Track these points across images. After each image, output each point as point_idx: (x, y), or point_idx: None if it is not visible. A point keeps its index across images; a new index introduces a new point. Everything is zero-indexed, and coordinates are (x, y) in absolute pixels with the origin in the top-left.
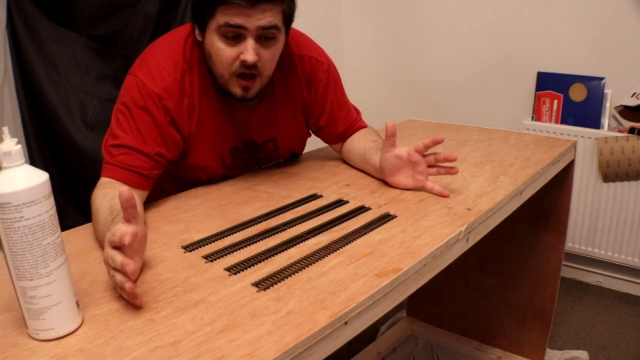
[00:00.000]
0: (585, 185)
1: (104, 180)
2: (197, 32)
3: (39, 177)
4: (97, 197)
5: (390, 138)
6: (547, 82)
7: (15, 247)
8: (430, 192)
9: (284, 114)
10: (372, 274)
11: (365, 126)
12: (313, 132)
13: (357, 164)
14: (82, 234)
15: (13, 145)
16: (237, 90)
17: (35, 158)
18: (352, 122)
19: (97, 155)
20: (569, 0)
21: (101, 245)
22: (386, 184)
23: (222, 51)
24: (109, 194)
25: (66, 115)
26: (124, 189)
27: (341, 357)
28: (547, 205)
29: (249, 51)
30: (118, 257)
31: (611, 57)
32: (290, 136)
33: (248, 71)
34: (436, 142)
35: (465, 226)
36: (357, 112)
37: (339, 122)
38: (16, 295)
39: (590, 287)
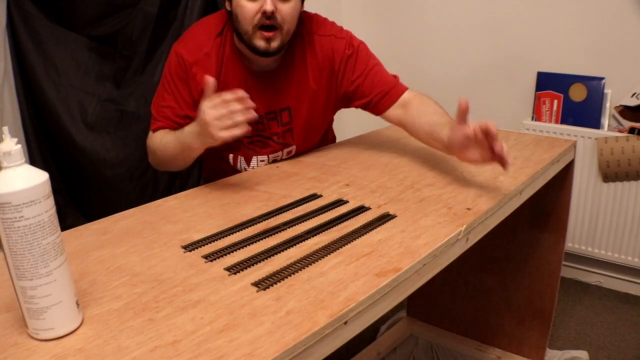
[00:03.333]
0: (585, 185)
1: (150, 134)
2: (226, 3)
3: (39, 177)
4: (156, 137)
5: (461, 115)
6: (547, 82)
7: (15, 247)
8: (500, 161)
9: (300, 87)
10: (372, 274)
11: (403, 90)
12: (355, 106)
13: (422, 139)
14: (82, 234)
15: (13, 145)
16: (260, 42)
17: (35, 158)
18: (390, 87)
19: (97, 155)
20: (569, 0)
21: (177, 156)
22: (386, 184)
23: (245, 7)
24: (164, 132)
25: (66, 115)
26: (209, 77)
27: (341, 357)
28: (547, 205)
29: (267, 2)
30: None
31: (611, 57)
32: (306, 111)
33: (268, 21)
34: (463, 110)
35: (465, 226)
36: (395, 76)
37: (373, 87)
38: (16, 295)
39: (590, 287)
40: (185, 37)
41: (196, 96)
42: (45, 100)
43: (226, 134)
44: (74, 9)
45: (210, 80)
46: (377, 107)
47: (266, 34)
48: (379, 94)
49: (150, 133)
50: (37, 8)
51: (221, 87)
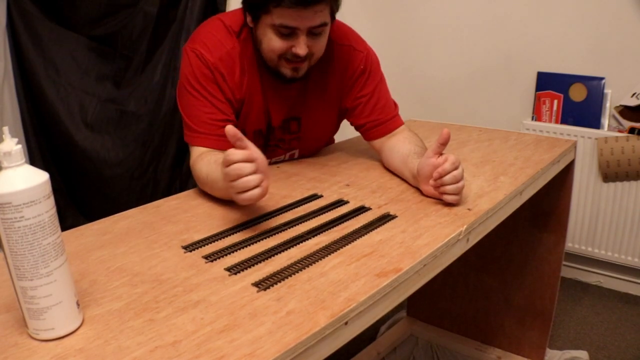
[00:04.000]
0: (585, 185)
1: (198, 150)
2: (248, 18)
3: (39, 177)
4: (202, 167)
5: (440, 146)
6: (547, 82)
7: (15, 247)
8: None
9: (314, 96)
10: (373, 274)
11: (398, 126)
12: (349, 122)
13: (395, 167)
14: (82, 234)
15: (13, 145)
16: (287, 72)
17: (35, 158)
18: (388, 117)
19: (97, 155)
20: (569, 0)
21: (225, 197)
22: (386, 184)
23: (275, 42)
24: (211, 160)
25: (66, 115)
26: (229, 126)
27: (341, 357)
28: (547, 205)
29: (301, 46)
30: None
31: (611, 57)
32: (315, 120)
33: (298, 60)
34: (442, 142)
35: (465, 226)
36: (396, 106)
37: (373, 111)
38: (16, 295)
39: (590, 287)
40: (200, 35)
41: (229, 94)
42: (45, 100)
43: (243, 198)
44: (74, 9)
45: (229, 130)
46: (368, 133)
47: (294, 64)
48: (375, 121)
49: (193, 150)
50: (37, 8)
51: (245, 92)
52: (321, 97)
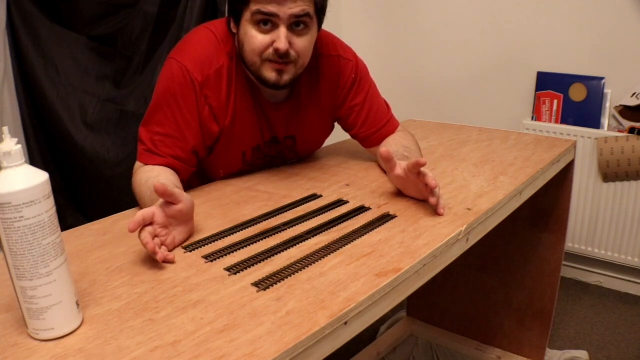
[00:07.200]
0: (585, 185)
1: (139, 164)
2: (232, 24)
3: (39, 177)
4: (140, 179)
5: (388, 163)
6: (547, 82)
7: (15, 247)
8: (432, 205)
9: (307, 114)
10: (372, 274)
11: (394, 129)
12: (346, 132)
13: (384, 166)
14: (82, 234)
15: (13, 145)
16: (270, 75)
17: (35, 158)
18: (382, 124)
19: (97, 155)
20: (569, 0)
21: None
22: (386, 184)
23: (255, 38)
24: (142, 180)
25: (66, 115)
26: (158, 184)
27: (341, 357)
28: (547, 205)
29: (281, 39)
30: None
31: (611, 57)
32: (310, 137)
33: (280, 60)
34: (417, 166)
35: (465, 226)
36: (388, 108)
37: (367, 120)
38: (16, 295)
39: (590, 287)
40: (189, 47)
41: (206, 122)
42: (45, 100)
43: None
44: (74, 9)
45: (160, 189)
46: (364, 142)
47: (278, 66)
48: (369, 130)
49: (137, 165)
50: (37, 8)
51: (231, 114)
52: (315, 112)
